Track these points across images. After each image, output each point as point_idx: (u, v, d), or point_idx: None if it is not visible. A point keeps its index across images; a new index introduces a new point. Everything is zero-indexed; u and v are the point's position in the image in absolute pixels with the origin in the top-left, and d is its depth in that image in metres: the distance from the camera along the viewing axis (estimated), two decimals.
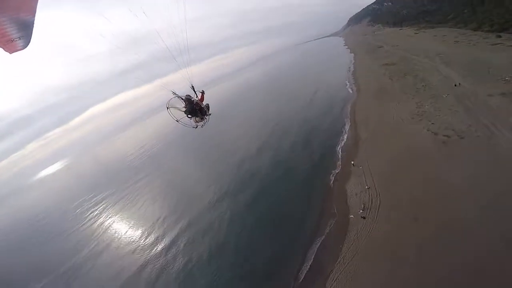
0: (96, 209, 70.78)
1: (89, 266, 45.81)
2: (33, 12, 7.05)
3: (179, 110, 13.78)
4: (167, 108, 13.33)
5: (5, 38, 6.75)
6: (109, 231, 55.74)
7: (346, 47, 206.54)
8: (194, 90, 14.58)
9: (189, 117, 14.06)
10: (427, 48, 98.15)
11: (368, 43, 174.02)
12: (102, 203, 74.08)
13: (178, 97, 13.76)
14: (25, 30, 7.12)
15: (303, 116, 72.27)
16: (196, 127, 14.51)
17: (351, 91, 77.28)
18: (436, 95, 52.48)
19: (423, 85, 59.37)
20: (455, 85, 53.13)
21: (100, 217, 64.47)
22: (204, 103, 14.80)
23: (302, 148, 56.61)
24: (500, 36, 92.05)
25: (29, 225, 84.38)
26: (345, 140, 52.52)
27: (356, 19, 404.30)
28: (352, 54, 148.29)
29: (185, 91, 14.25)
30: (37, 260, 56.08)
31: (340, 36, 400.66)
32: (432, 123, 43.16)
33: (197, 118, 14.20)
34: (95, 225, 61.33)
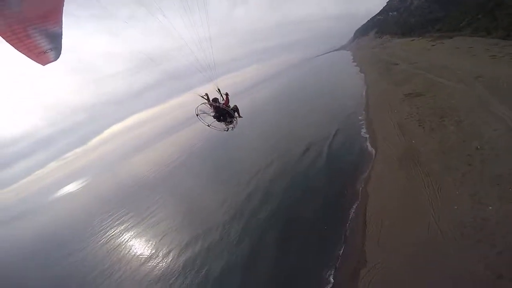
0: (114, 230, 73.25)
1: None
2: (59, 24, 7.37)
3: (208, 115, 14.23)
4: (197, 115, 13.82)
5: (38, 50, 7.12)
6: (126, 252, 57.46)
7: (355, 64, 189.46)
8: (220, 93, 14.74)
9: (219, 121, 14.54)
10: (456, 66, 79.97)
11: (379, 59, 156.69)
12: (119, 223, 76.65)
13: (206, 99, 14.31)
14: (55, 42, 7.52)
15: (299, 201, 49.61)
16: (227, 130, 15.10)
17: (368, 147, 54.17)
18: (502, 176, 30.06)
19: (477, 148, 37.08)
20: None
21: (118, 238, 66.56)
22: (232, 105, 15.15)
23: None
24: None
25: (45, 243, 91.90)
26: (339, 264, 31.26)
27: (363, 31, 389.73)
28: (363, 75, 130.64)
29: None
30: (54, 277, 59.40)
31: (347, 50, 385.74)
32: (499, 253, 22.83)
33: (226, 121, 14.62)
34: (112, 246, 63.34)
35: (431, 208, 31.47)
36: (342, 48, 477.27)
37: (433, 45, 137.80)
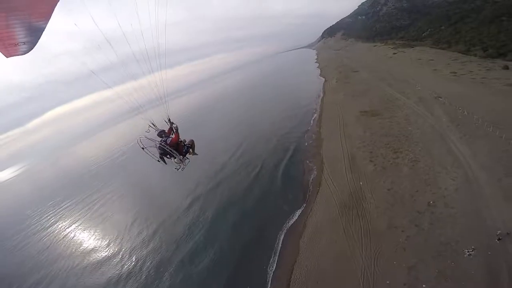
0: (56, 220, 65.31)
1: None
2: (47, 18, 6.75)
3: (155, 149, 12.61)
4: (143, 148, 12.24)
5: (10, 41, 6.50)
6: (71, 243, 51.26)
7: (317, 65, 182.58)
8: (170, 124, 13.23)
9: (163, 159, 12.87)
10: (416, 81, 73.92)
11: (341, 63, 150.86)
12: (62, 213, 68.73)
13: (155, 132, 12.98)
14: (33, 36, 6.86)
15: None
16: (177, 169, 13.08)
17: (312, 183, 43.38)
18: (449, 245, 25.22)
19: (429, 203, 30.12)
20: (499, 239, 24.48)
21: (61, 229, 59.50)
22: (188, 140, 13.87)
23: None
24: (507, 68, 69.88)
25: None
26: None
27: (331, 31, 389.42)
28: (322, 80, 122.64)
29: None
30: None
31: (313, 49, 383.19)
32: None
33: (175, 160, 12.82)
34: (56, 237, 56.09)
35: (361, 279, 25.25)
36: (309, 46, 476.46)
37: (395, 53, 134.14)
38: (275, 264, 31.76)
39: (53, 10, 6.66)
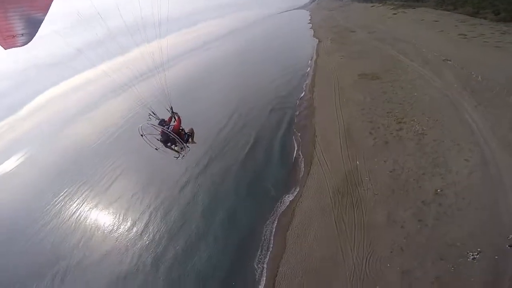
0: (57, 212, 58.21)
1: (72, 267, 37.20)
2: (46, 11, 6.67)
3: (155, 137, 12.38)
4: (142, 135, 11.90)
5: (8, 33, 6.28)
6: (87, 224, 47.03)
7: (311, 26, 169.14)
8: (172, 112, 13.20)
9: (167, 146, 12.64)
10: (421, 43, 65.96)
11: (336, 24, 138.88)
12: (61, 204, 61.29)
13: (155, 120, 12.65)
14: (31, 28, 6.71)
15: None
16: (177, 157, 12.99)
17: (302, 164, 36.77)
18: (454, 246, 20.72)
19: (437, 192, 24.68)
20: (510, 245, 19.66)
21: (76, 210, 54.59)
22: (187, 128, 13.54)
23: None
24: None
25: None
26: None
27: None
28: (316, 40, 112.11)
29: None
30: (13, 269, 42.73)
31: (307, 10, 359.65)
32: None
33: (176, 147, 12.75)
34: (71, 220, 51.76)
35: (350, 282, 21.13)
36: (303, 7, 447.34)
37: (395, 14, 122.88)
38: (263, 261, 26.98)
39: (52, 1, 6.49)
